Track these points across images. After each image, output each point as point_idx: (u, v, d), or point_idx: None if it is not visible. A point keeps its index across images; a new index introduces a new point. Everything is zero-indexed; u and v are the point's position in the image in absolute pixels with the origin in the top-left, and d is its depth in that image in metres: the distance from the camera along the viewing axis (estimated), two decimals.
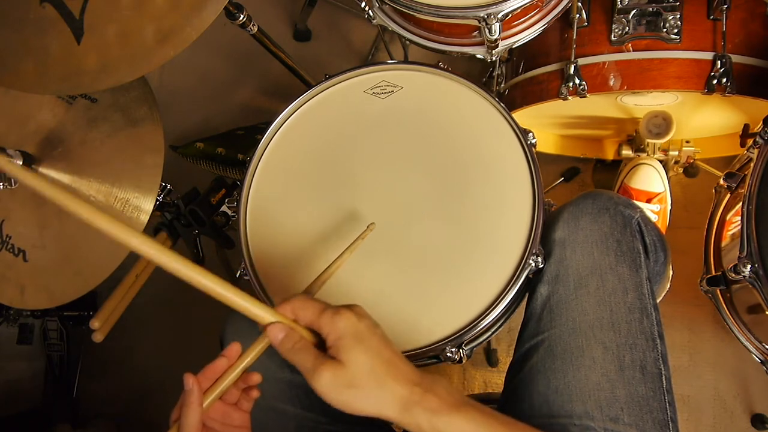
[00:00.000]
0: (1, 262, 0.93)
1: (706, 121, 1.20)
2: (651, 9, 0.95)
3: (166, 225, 1.05)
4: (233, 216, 0.95)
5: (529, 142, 0.81)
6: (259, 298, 0.78)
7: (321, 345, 0.55)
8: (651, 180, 1.21)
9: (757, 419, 1.25)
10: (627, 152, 1.23)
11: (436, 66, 0.88)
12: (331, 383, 0.51)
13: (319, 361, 0.52)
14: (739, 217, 0.76)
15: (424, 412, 0.51)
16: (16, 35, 0.80)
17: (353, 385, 0.51)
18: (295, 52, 1.47)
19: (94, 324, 0.97)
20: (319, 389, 0.51)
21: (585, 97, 1.00)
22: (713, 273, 0.92)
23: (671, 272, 1.01)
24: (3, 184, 0.87)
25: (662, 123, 1.13)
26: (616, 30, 0.97)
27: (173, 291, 1.59)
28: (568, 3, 0.94)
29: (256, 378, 0.62)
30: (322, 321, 0.54)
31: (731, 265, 0.76)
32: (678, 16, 0.94)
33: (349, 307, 0.55)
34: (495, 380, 1.40)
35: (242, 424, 0.63)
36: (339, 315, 0.53)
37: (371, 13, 0.98)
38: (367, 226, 0.75)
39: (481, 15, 0.84)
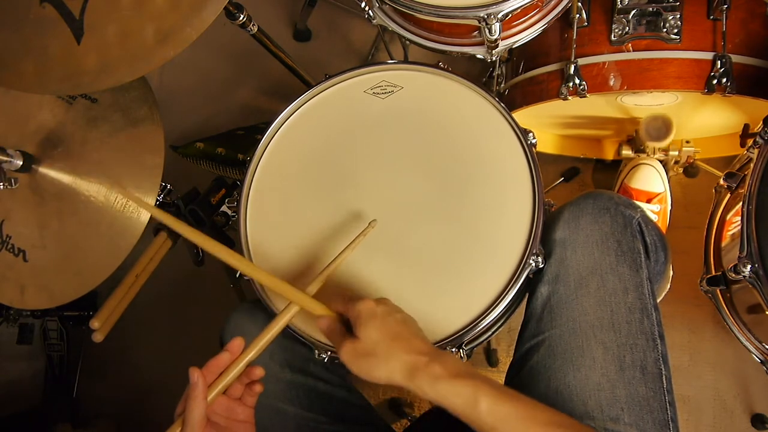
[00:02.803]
0: (1, 262, 0.93)
1: (706, 121, 1.20)
2: (651, 9, 0.95)
3: (166, 225, 1.05)
4: (233, 216, 0.95)
5: (529, 142, 0.81)
6: (260, 297, 0.79)
7: (351, 329, 0.65)
8: (651, 180, 1.21)
9: (757, 419, 1.25)
10: (627, 152, 1.23)
11: (436, 66, 0.88)
12: (349, 353, 0.62)
13: (344, 338, 0.64)
14: (739, 217, 0.76)
15: (427, 378, 0.58)
16: (16, 35, 0.80)
17: (366, 354, 0.61)
18: (295, 52, 1.47)
19: (94, 324, 0.97)
20: (343, 358, 0.63)
21: (585, 97, 1.00)
22: (713, 273, 0.92)
23: (671, 272, 1.01)
24: (3, 184, 0.87)
25: (662, 126, 1.13)
26: (616, 30, 0.97)
27: (173, 291, 1.60)
28: (568, 3, 0.94)
29: (258, 372, 0.64)
30: (348, 307, 0.65)
31: (731, 265, 0.76)
32: (678, 16, 0.94)
33: (376, 299, 0.66)
34: (495, 380, 1.40)
35: (246, 419, 0.64)
36: (360, 301, 0.64)
37: (371, 13, 0.98)
38: (369, 223, 0.76)
39: (481, 15, 0.84)
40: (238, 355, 0.63)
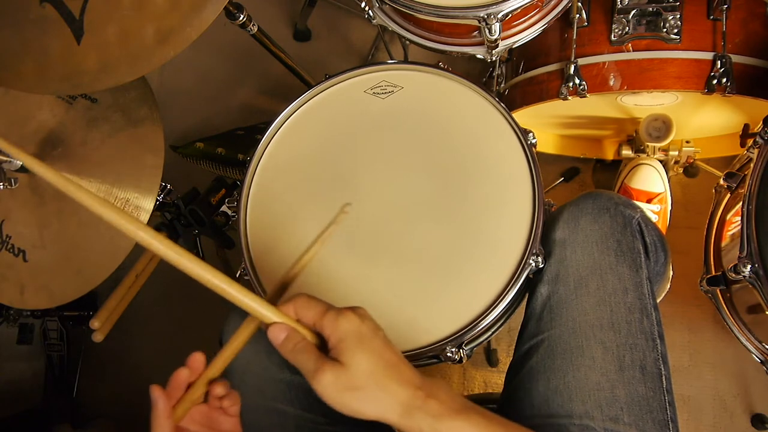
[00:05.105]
0: (1, 262, 0.93)
1: (706, 121, 1.20)
2: (651, 9, 0.95)
3: (166, 225, 1.06)
4: (233, 216, 0.95)
5: (529, 142, 0.81)
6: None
7: (323, 346, 0.54)
8: (651, 180, 1.21)
9: (757, 419, 1.25)
10: (627, 152, 1.23)
11: (436, 66, 0.88)
12: (332, 385, 0.51)
13: (321, 363, 0.52)
14: (739, 217, 0.76)
15: (425, 417, 0.51)
16: (16, 35, 0.80)
17: (354, 387, 0.51)
18: (295, 52, 1.47)
19: (94, 324, 0.97)
20: (321, 391, 0.51)
21: (585, 97, 1.00)
22: (713, 273, 0.92)
23: (671, 272, 1.01)
24: (3, 184, 0.87)
25: (662, 126, 1.13)
26: (616, 30, 0.97)
27: (173, 291, 1.60)
28: (568, 3, 0.94)
29: (218, 390, 0.58)
30: (325, 322, 0.53)
31: (731, 265, 0.76)
32: (678, 16, 0.94)
33: (352, 309, 0.54)
34: (495, 380, 1.40)
35: (231, 428, 0.61)
36: (342, 316, 0.53)
37: (371, 13, 0.98)
38: (341, 208, 0.65)
39: (481, 15, 0.84)
40: (200, 371, 0.57)
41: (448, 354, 0.74)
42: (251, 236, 0.85)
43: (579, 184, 1.44)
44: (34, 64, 0.78)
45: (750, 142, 0.83)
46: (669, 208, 1.24)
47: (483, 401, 0.57)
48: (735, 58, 0.92)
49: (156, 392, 0.54)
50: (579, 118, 1.23)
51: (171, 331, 1.65)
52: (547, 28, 0.95)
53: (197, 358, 0.57)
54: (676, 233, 1.29)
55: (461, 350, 0.75)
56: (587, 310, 0.71)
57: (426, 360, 0.79)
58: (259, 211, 0.86)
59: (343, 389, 0.50)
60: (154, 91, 0.91)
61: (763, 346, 0.86)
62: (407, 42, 1.01)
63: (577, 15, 0.99)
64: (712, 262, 0.94)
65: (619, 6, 0.96)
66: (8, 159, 0.85)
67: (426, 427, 0.50)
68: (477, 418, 0.52)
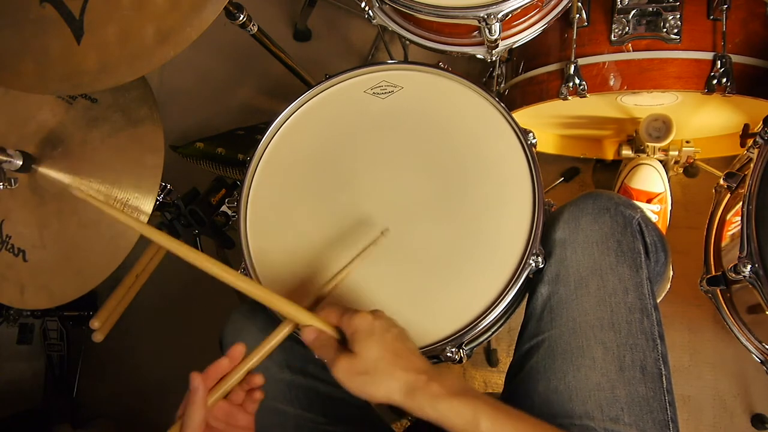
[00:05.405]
0: (1, 262, 0.93)
1: (706, 121, 1.20)
2: (651, 9, 0.95)
3: (166, 225, 1.05)
4: (233, 216, 0.95)
5: (529, 142, 0.81)
6: None
7: (345, 342, 0.62)
8: (651, 180, 1.21)
9: (757, 419, 1.25)
10: (627, 152, 1.23)
11: (437, 66, 0.88)
12: (345, 370, 0.59)
13: (339, 353, 0.61)
14: (739, 217, 0.76)
15: (427, 397, 0.57)
16: (16, 35, 0.80)
17: (364, 372, 0.59)
18: (295, 52, 1.47)
19: (94, 324, 0.97)
20: (337, 376, 0.60)
21: (585, 97, 1.00)
22: (713, 273, 0.92)
23: (671, 272, 1.01)
24: (3, 184, 0.87)
25: (662, 126, 1.13)
26: (616, 30, 0.97)
27: (173, 291, 1.60)
28: (568, 3, 0.94)
29: (258, 380, 0.64)
30: (343, 320, 0.62)
31: (731, 265, 0.76)
32: (678, 16, 0.94)
33: (371, 311, 0.63)
34: (495, 380, 1.40)
35: (246, 425, 0.64)
36: (356, 315, 0.62)
37: (371, 13, 0.98)
38: (381, 233, 0.75)
39: (481, 15, 0.84)
40: (238, 362, 0.62)
41: (448, 354, 0.74)
42: (251, 236, 0.85)
43: (579, 184, 1.44)
44: (34, 64, 0.79)
45: (750, 142, 0.83)
46: (669, 208, 1.24)
47: None
48: (735, 58, 0.92)
49: (197, 379, 0.59)
50: (579, 118, 1.24)
51: (171, 331, 1.65)
52: (547, 28, 0.95)
53: (239, 349, 0.63)
54: (676, 233, 1.29)
55: (461, 350, 0.75)
56: (587, 311, 0.71)
57: None
58: (259, 211, 0.86)
59: (355, 373, 0.59)
60: (154, 91, 0.91)
61: (763, 346, 0.86)
62: (407, 42, 1.01)
63: (577, 15, 0.99)
64: (712, 262, 0.94)
65: (619, 6, 0.96)
66: (8, 159, 0.85)
67: (427, 406, 0.57)
68: (475, 402, 0.56)
